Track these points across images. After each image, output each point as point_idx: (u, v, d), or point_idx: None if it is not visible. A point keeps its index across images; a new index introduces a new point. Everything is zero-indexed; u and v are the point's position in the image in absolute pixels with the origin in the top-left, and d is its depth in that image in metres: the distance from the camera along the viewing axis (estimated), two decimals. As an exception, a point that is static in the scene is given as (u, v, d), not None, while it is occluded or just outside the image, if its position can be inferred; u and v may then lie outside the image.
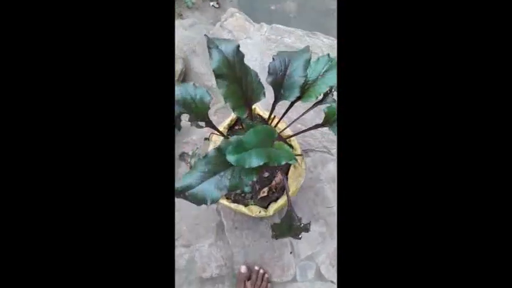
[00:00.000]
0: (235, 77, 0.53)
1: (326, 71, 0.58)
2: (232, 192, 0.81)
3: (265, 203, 0.81)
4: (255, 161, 0.45)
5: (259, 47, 1.28)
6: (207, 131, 1.15)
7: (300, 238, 0.67)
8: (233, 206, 0.75)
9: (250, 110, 0.59)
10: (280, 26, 1.35)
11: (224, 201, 0.76)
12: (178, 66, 1.08)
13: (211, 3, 1.27)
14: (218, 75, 0.55)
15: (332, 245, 1.05)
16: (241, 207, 0.76)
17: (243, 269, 0.99)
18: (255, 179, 0.51)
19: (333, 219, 1.08)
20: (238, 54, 0.55)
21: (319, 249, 1.05)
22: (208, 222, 1.05)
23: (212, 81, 1.21)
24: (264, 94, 0.58)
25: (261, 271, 1.00)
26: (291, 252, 1.05)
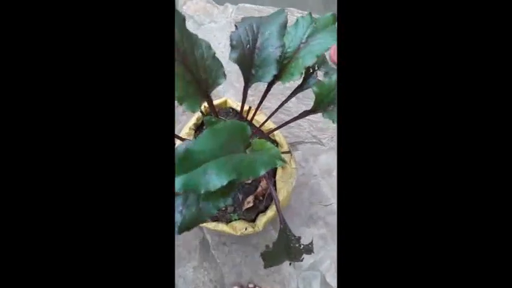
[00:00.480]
0: (179, 52, 0.37)
1: (310, 36, 0.42)
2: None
3: (252, 215, 0.66)
4: (214, 181, 0.29)
5: (226, 31, 1.12)
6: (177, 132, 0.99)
7: (301, 261, 0.52)
8: (211, 226, 0.60)
9: (210, 101, 0.43)
10: (248, 5, 1.19)
11: (200, 222, 0.61)
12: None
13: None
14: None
15: (335, 249, 0.92)
16: (222, 226, 0.60)
17: None
18: (223, 204, 0.35)
19: (333, 219, 0.94)
20: (182, 22, 0.39)
21: (322, 255, 0.91)
22: (189, 241, 0.89)
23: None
24: (224, 75, 0.42)
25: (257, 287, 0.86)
26: (290, 264, 0.91)
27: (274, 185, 0.66)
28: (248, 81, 0.46)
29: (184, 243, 0.89)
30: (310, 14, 0.45)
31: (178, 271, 0.87)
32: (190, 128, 0.65)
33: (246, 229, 0.61)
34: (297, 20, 0.45)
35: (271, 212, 0.62)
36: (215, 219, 0.63)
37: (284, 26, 0.43)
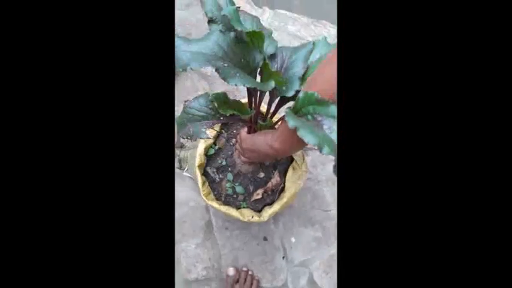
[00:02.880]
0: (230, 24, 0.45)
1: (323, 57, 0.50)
2: (223, 194, 0.73)
3: (259, 206, 0.73)
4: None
5: (260, 33, 1.19)
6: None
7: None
8: (223, 209, 0.68)
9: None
10: (283, 11, 1.25)
11: (214, 204, 0.68)
12: (171, 50, 0.99)
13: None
14: (211, 20, 0.48)
15: (327, 252, 0.99)
16: (232, 211, 0.68)
17: (231, 271, 0.93)
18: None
19: (330, 224, 1.01)
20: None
21: (313, 255, 0.99)
22: (196, 220, 0.98)
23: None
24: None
25: (250, 272, 0.94)
26: (283, 257, 0.98)
27: (284, 179, 0.73)
28: (273, 96, 0.54)
29: (190, 222, 0.98)
30: (325, 37, 0.52)
31: (182, 245, 0.96)
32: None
33: (252, 217, 0.69)
34: (313, 43, 0.52)
35: (277, 206, 0.69)
36: (227, 203, 0.70)
37: (310, 52, 0.50)
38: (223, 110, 0.50)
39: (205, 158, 0.71)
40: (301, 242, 1.00)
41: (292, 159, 0.75)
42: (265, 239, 0.99)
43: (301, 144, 0.43)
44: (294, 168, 0.73)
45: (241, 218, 0.68)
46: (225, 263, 0.96)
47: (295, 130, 0.36)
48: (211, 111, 0.53)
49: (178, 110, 1.07)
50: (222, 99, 0.51)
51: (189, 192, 0.99)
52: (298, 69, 0.51)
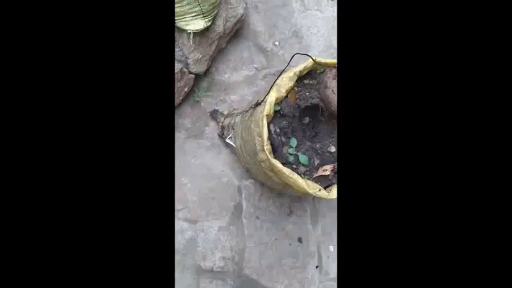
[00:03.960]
0: None
1: None
2: (283, 156, 0.60)
3: (322, 185, 0.60)
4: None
5: (328, 23, 1.11)
6: (249, 94, 0.95)
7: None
8: (287, 171, 0.54)
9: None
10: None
11: (276, 162, 0.55)
12: (240, 10, 0.90)
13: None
14: None
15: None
16: (296, 177, 0.54)
17: None
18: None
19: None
20: None
21: (353, 272, 0.82)
22: (225, 200, 0.83)
23: (268, 43, 1.03)
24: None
25: None
26: (317, 266, 0.82)
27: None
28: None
29: (218, 200, 0.83)
30: None
31: (203, 225, 0.81)
32: (294, 73, 0.61)
33: (319, 190, 0.55)
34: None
35: (352, 185, 0.56)
36: (289, 167, 0.57)
37: None
38: None
39: (273, 110, 0.59)
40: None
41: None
42: (299, 240, 0.83)
43: None
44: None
45: (306, 188, 0.54)
46: (248, 258, 0.80)
47: None
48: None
49: (231, 77, 0.96)
50: None
51: (224, 167, 0.85)
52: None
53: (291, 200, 0.86)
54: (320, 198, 0.88)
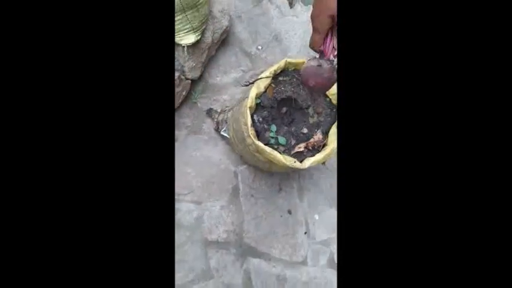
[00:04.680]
0: None
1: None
2: (265, 138, 0.75)
3: (299, 159, 0.75)
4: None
5: (303, 26, 1.26)
6: (238, 92, 1.11)
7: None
8: (268, 149, 0.69)
9: None
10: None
11: (260, 144, 0.70)
12: (225, 22, 1.06)
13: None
14: None
15: (350, 233, 0.98)
16: (275, 153, 0.70)
17: None
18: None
19: (355, 207, 1.01)
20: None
21: (336, 236, 0.97)
22: (224, 183, 0.98)
23: (252, 48, 1.18)
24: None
25: None
26: (305, 233, 0.97)
27: (326, 138, 0.75)
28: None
29: (218, 183, 0.98)
30: None
31: (207, 204, 0.96)
32: (270, 72, 0.77)
33: (295, 162, 0.70)
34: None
35: (319, 156, 0.71)
36: (272, 148, 0.72)
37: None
38: None
39: (255, 103, 0.74)
40: (325, 221, 0.99)
41: (335, 119, 0.78)
42: (289, 212, 0.98)
43: None
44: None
45: (284, 161, 0.69)
46: (247, 229, 0.95)
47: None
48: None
49: (222, 79, 1.12)
50: None
51: (221, 156, 1.01)
52: None
53: (280, 178, 1.01)
54: (305, 177, 1.03)
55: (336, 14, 0.49)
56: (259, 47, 1.19)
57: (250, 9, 1.25)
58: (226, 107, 1.05)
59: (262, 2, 1.33)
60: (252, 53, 1.17)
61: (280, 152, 0.75)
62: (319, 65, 0.57)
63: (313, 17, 0.52)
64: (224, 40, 1.15)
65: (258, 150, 0.72)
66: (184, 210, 0.95)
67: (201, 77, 1.07)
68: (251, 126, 0.72)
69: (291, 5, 1.33)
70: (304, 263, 0.95)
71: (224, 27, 1.06)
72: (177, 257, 0.90)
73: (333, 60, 0.57)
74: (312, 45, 0.57)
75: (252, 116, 0.76)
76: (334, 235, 0.98)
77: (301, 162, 0.74)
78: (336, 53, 0.57)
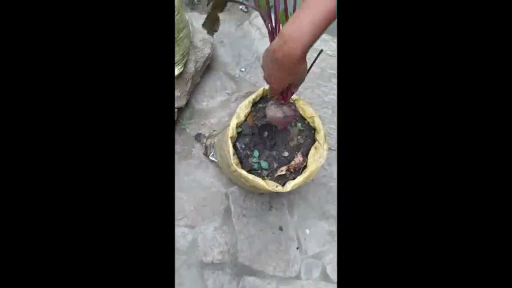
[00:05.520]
0: None
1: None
2: (249, 165, 0.79)
3: (281, 182, 0.79)
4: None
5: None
6: (225, 115, 1.15)
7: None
8: (250, 177, 0.73)
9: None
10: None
11: (242, 172, 0.74)
12: (207, 50, 1.10)
13: (240, 7, 1.35)
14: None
15: (341, 245, 1.01)
16: (258, 179, 0.74)
17: None
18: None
19: (344, 219, 1.04)
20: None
21: (327, 248, 1.01)
22: (216, 205, 1.02)
23: (235, 71, 1.23)
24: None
25: None
26: (297, 248, 1.01)
27: (306, 160, 0.79)
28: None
29: (210, 206, 1.02)
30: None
31: (200, 228, 1.00)
32: (249, 101, 0.81)
33: (276, 187, 0.74)
34: None
35: (300, 178, 0.75)
36: (254, 173, 0.76)
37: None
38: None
39: (236, 132, 0.79)
40: (316, 234, 1.03)
41: (314, 141, 0.82)
42: (280, 228, 1.02)
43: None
44: (316, 148, 0.79)
45: (266, 186, 0.73)
46: (241, 248, 0.99)
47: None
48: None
49: (208, 104, 1.16)
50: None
51: (211, 179, 1.05)
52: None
53: (270, 197, 1.05)
54: (294, 193, 1.07)
55: (287, 84, 0.51)
56: (243, 69, 1.23)
57: (232, 33, 1.30)
58: (214, 131, 1.10)
59: (244, 24, 1.37)
60: (236, 75, 1.22)
61: (263, 176, 0.79)
62: (283, 114, 0.65)
63: (266, 80, 0.54)
64: (208, 65, 1.19)
65: (242, 176, 0.76)
66: (179, 235, 0.98)
67: (187, 103, 1.12)
68: (233, 155, 0.76)
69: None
70: (298, 277, 0.98)
71: (207, 55, 1.11)
72: (175, 281, 0.93)
73: (292, 103, 0.64)
74: (271, 95, 0.62)
75: (234, 144, 0.80)
76: (326, 248, 1.01)
77: (283, 185, 0.77)
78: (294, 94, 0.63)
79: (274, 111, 0.65)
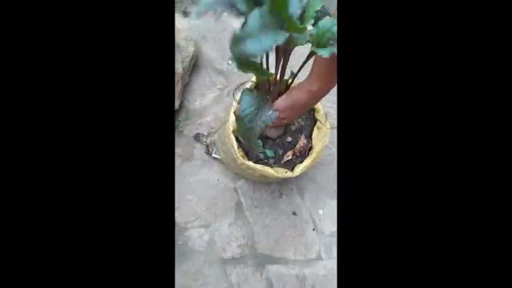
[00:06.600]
0: None
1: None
2: (255, 155, 0.79)
3: (289, 167, 0.79)
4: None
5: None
6: (220, 111, 1.14)
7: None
8: (259, 167, 0.73)
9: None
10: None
11: (250, 163, 0.74)
12: (191, 48, 1.08)
13: None
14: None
15: (355, 220, 1.02)
16: (267, 169, 0.73)
17: None
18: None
19: (354, 194, 1.05)
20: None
21: (342, 225, 1.02)
22: (226, 201, 1.02)
23: (223, 65, 1.21)
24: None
25: None
26: (313, 229, 1.01)
27: (311, 141, 0.79)
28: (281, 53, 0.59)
29: (221, 203, 1.02)
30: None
31: (215, 225, 1.00)
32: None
33: (286, 172, 0.74)
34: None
35: (307, 161, 0.75)
36: (261, 163, 0.76)
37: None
38: (242, 70, 0.47)
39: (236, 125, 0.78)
40: (329, 213, 1.03)
41: (315, 122, 0.81)
42: (294, 213, 1.02)
43: (334, 74, 0.50)
44: (318, 128, 0.79)
45: (276, 174, 0.73)
46: (258, 239, 0.99)
47: (327, 62, 0.41)
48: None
49: (201, 102, 1.15)
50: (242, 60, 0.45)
51: (218, 176, 1.04)
52: (295, 10, 0.44)
53: (278, 184, 1.05)
54: (301, 177, 1.07)
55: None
56: (230, 62, 1.22)
57: (212, 27, 1.28)
58: (212, 128, 1.09)
59: (222, 17, 1.35)
60: (224, 69, 1.20)
61: (271, 165, 0.79)
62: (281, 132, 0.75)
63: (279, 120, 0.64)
64: (195, 64, 1.18)
65: (250, 168, 0.76)
66: (196, 236, 0.98)
67: (181, 105, 1.10)
68: (238, 148, 0.75)
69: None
70: (319, 258, 0.99)
71: (191, 54, 1.09)
72: (199, 281, 0.93)
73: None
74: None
75: (237, 138, 0.80)
76: (341, 225, 1.02)
77: (292, 170, 0.77)
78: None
79: (274, 133, 0.76)
